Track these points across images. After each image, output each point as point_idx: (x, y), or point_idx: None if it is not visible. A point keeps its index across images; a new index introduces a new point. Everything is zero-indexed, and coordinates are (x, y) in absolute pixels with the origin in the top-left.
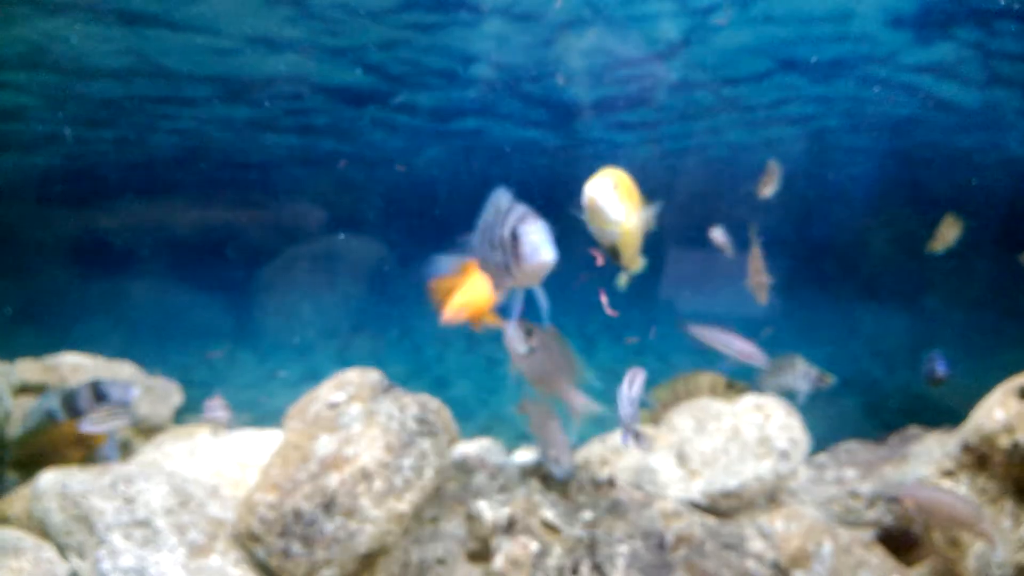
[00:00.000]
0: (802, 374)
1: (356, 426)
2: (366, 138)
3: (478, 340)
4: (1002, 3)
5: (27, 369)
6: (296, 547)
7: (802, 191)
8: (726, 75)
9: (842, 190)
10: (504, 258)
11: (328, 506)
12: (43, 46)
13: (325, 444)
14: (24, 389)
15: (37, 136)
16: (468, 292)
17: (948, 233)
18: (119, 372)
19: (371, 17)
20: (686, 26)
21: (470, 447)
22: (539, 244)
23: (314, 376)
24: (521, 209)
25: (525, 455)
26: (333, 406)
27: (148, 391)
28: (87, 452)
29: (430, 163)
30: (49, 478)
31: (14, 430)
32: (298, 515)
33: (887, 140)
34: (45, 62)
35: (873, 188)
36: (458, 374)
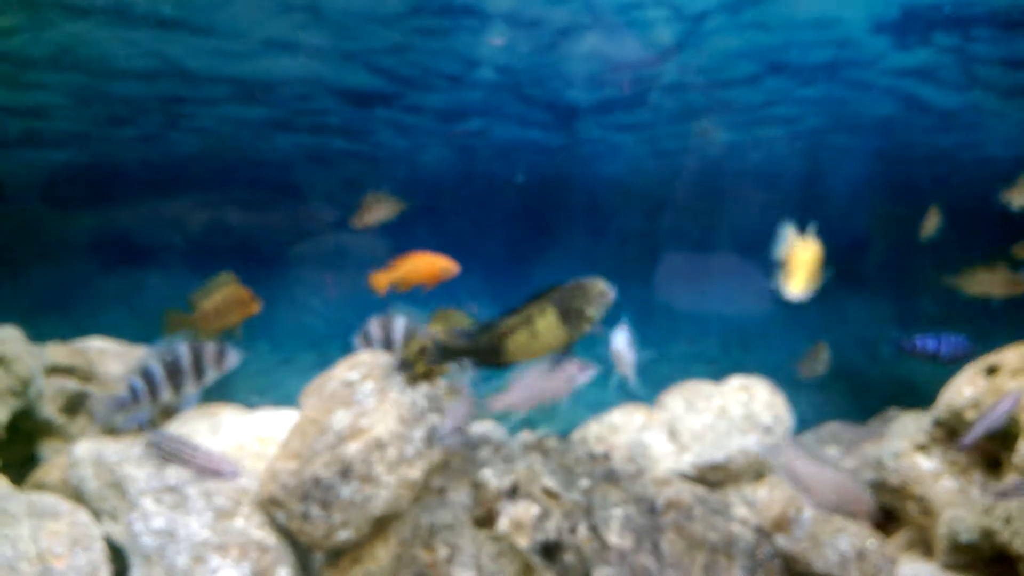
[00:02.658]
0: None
1: (370, 401)
2: (375, 137)
3: None
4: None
5: (56, 352)
6: (315, 510)
7: (790, 188)
8: (718, 78)
9: (828, 187)
10: None
11: (345, 472)
12: (70, 48)
13: (341, 418)
14: (54, 370)
15: (64, 133)
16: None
17: (932, 223)
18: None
19: (381, 22)
20: (680, 31)
21: (474, 428)
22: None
23: (325, 364)
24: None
25: (528, 438)
26: (348, 384)
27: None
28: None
29: (436, 161)
30: (85, 447)
31: (46, 408)
32: (317, 481)
33: (871, 140)
34: (72, 63)
35: (858, 185)
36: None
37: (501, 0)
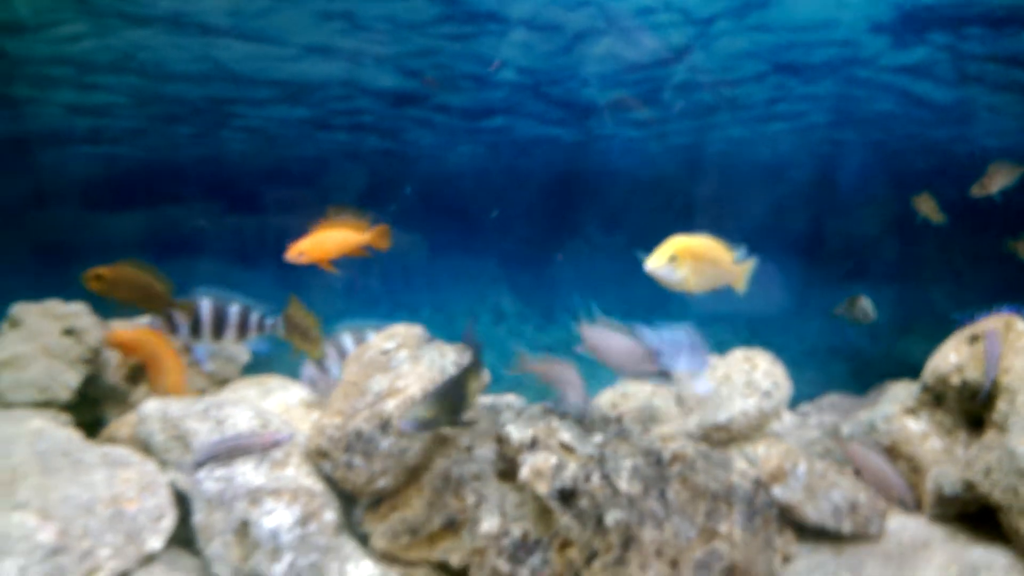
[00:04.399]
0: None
1: (405, 367)
2: (406, 135)
3: (504, 314)
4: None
5: (120, 328)
6: (358, 460)
7: (794, 180)
8: (726, 77)
9: (831, 178)
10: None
11: (384, 426)
12: (131, 53)
13: (379, 381)
14: None
15: (123, 131)
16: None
17: (926, 206)
18: None
19: (412, 28)
20: (690, 34)
21: (497, 399)
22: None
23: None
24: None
25: (546, 404)
26: (385, 352)
27: (217, 352)
28: None
29: (461, 157)
30: (152, 405)
31: (112, 376)
32: (359, 434)
33: (870, 133)
34: (132, 67)
35: (858, 176)
36: (484, 344)
37: (522, 6)
